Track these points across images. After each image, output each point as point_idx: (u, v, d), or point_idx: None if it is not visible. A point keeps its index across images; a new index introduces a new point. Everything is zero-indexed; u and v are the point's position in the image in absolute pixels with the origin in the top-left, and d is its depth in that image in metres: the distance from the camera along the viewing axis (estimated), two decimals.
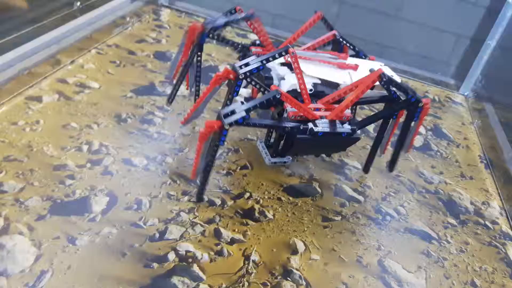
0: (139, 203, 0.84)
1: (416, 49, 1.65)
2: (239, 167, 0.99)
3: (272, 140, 1.03)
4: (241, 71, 0.78)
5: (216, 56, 1.44)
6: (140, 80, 1.22)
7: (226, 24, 0.99)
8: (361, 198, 0.99)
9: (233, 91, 0.81)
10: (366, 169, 1.04)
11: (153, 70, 1.28)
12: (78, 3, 1.51)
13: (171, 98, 1.08)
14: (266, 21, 1.74)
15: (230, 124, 0.76)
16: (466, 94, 1.57)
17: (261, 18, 1.04)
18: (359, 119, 0.93)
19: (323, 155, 1.08)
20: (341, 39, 1.00)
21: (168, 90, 1.19)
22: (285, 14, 1.72)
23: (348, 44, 1.02)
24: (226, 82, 0.84)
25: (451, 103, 1.51)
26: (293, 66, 0.83)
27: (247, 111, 0.77)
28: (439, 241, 0.92)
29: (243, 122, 0.76)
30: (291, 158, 1.02)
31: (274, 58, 0.80)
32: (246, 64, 0.79)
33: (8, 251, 0.71)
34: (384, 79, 0.84)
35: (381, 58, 1.70)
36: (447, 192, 1.07)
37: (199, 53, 1.01)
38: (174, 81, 1.07)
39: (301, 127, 0.81)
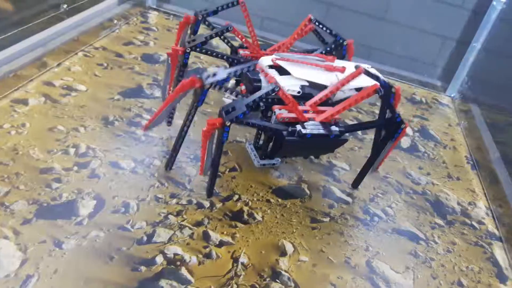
0: (126, 206, 0.84)
1: (403, 51, 1.67)
2: (228, 169, 0.99)
3: (261, 142, 1.03)
4: (208, 81, 0.78)
5: (204, 59, 1.43)
6: (127, 82, 1.21)
7: (205, 42, 0.99)
8: (349, 199, 0.99)
9: (197, 100, 0.81)
10: (355, 184, 1.04)
11: (140, 73, 1.27)
12: (65, 6, 1.50)
13: (169, 122, 1.09)
14: (254, 24, 1.74)
15: (231, 120, 0.76)
16: (452, 95, 1.59)
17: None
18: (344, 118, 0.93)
19: (312, 157, 1.08)
20: (316, 23, 1.01)
21: (156, 93, 1.19)
22: (273, 17, 1.72)
23: (324, 28, 1.03)
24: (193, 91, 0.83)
25: (438, 105, 1.53)
26: (264, 77, 0.83)
27: (247, 106, 0.78)
28: (426, 242, 0.93)
29: (243, 117, 0.77)
30: (280, 160, 1.03)
31: (242, 71, 0.80)
32: (214, 74, 0.79)
33: None
34: (380, 93, 0.85)
35: (369, 60, 1.73)
36: (434, 192, 1.08)
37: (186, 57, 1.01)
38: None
39: (289, 129, 0.81)
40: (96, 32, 1.43)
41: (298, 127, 0.82)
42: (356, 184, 1.02)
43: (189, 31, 1.02)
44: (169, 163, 0.92)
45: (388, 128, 0.91)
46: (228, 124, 0.76)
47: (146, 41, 1.46)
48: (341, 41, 1.04)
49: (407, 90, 1.57)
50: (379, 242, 0.90)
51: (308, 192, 0.98)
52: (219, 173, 0.97)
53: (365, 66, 1.03)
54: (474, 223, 1.01)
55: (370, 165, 0.96)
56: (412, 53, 1.66)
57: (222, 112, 0.78)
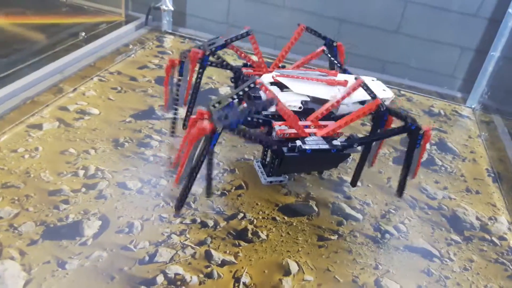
0: (130, 226, 0.85)
1: (420, 63, 1.63)
2: (234, 187, 0.99)
3: (268, 159, 1.03)
4: (214, 110, 0.78)
5: (216, 79, 1.45)
6: (140, 105, 1.24)
7: (225, 45, 1.00)
8: (359, 216, 0.96)
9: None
10: (353, 182, 1.02)
11: (153, 95, 1.30)
12: (83, 33, 1.56)
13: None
14: (269, 43, 1.76)
15: (223, 128, 0.73)
16: (473, 106, 1.54)
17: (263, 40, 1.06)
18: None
19: (322, 173, 1.07)
20: (328, 55, 1.02)
21: (167, 114, 1.20)
22: (286, 35, 1.73)
23: (332, 58, 1.03)
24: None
25: (458, 117, 1.48)
26: (264, 92, 0.83)
27: (243, 117, 0.76)
28: (441, 259, 0.88)
29: (237, 126, 0.74)
30: (287, 177, 1.01)
31: (244, 91, 0.80)
32: (219, 102, 0.78)
33: None
34: (382, 109, 0.83)
35: (384, 74, 1.70)
36: (451, 207, 1.03)
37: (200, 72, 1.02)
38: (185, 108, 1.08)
39: (290, 145, 0.80)
40: (112, 58, 1.48)
41: (298, 142, 0.81)
42: (400, 193, 0.99)
43: (176, 74, 1.03)
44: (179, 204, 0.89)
45: (409, 136, 0.88)
46: (219, 130, 0.73)
47: (160, 64, 1.49)
48: (330, 42, 1.05)
49: (424, 103, 1.53)
50: (390, 260, 0.86)
51: (316, 209, 0.96)
52: (225, 192, 0.97)
53: (370, 78, 1.01)
54: (494, 239, 0.96)
55: (405, 174, 0.94)
56: (429, 65, 1.63)
57: (214, 116, 0.73)
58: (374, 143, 0.91)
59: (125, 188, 0.93)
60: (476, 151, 1.28)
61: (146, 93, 1.30)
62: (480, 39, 1.52)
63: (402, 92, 1.58)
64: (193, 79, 1.03)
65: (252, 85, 0.80)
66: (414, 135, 0.86)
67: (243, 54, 1.04)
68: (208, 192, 0.87)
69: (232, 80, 1.06)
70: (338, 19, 1.64)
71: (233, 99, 0.78)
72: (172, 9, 1.73)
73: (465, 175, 1.16)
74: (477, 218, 1.01)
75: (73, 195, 0.90)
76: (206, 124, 0.73)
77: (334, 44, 1.05)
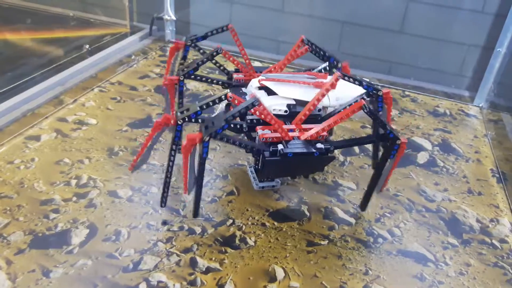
0: (117, 234, 0.85)
1: (426, 63, 1.59)
2: (225, 194, 0.98)
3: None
4: (180, 116, 0.79)
5: (215, 86, 1.45)
6: (137, 114, 1.25)
7: (197, 68, 1.00)
8: (352, 220, 0.94)
9: (175, 136, 0.82)
10: (362, 206, 0.98)
11: (151, 104, 1.31)
12: (87, 46, 1.59)
13: None
14: (272, 49, 1.76)
15: (210, 135, 0.76)
16: (480, 105, 1.49)
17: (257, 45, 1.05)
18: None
19: (316, 177, 1.05)
20: (309, 44, 1.00)
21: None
22: (290, 40, 1.72)
23: (317, 49, 1.01)
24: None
25: (464, 116, 1.43)
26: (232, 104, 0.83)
27: (226, 120, 0.77)
28: (435, 263, 0.85)
29: (223, 131, 0.77)
30: (279, 182, 1.00)
31: (214, 103, 0.80)
32: (187, 109, 0.80)
33: None
34: (365, 110, 0.81)
35: (390, 75, 1.67)
36: (450, 210, 1.00)
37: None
38: None
39: (271, 149, 0.79)
40: (114, 68, 1.51)
41: (280, 146, 0.80)
42: (363, 206, 0.97)
43: (179, 57, 1.05)
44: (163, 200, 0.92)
45: (385, 145, 0.86)
46: (206, 139, 0.76)
47: (161, 73, 1.51)
48: (335, 63, 1.01)
49: (429, 103, 1.49)
50: (381, 265, 0.84)
51: (307, 214, 0.95)
52: (216, 198, 0.96)
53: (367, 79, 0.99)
54: (495, 241, 0.92)
55: (373, 185, 0.91)
56: (435, 64, 1.59)
57: (202, 127, 0.78)
58: (385, 167, 0.87)
59: (115, 196, 0.94)
60: (481, 151, 1.24)
61: (145, 102, 1.32)
62: (487, 35, 1.47)
63: (407, 93, 1.55)
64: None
65: (223, 98, 0.80)
66: (391, 144, 0.83)
67: (231, 58, 1.04)
68: (196, 211, 0.88)
69: (224, 85, 1.05)
70: (340, 21, 1.62)
71: (202, 109, 0.79)
72: (175, 18, 1.75)
73: (467, 176, 1.12)
74: (478, 221, 0.97)
75: (64, 204, 0.91)
76: (194, 135, 0.77)
77: (339, 65, 1.02)
